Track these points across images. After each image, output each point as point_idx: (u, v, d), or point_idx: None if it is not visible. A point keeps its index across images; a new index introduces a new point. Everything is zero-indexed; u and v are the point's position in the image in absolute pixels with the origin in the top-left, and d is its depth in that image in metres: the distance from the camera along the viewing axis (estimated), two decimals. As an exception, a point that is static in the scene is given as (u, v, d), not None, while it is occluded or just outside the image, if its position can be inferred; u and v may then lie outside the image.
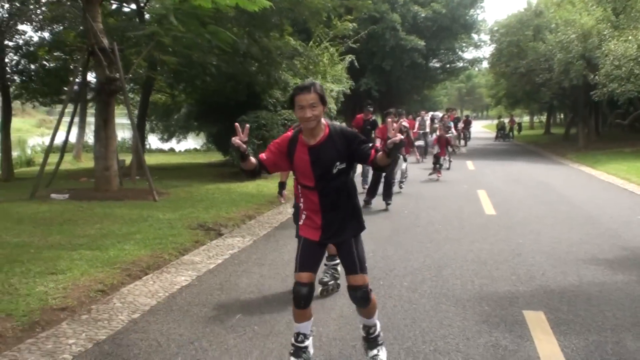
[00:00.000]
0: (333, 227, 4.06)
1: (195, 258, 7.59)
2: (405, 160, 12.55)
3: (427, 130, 25.12)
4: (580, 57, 25.10)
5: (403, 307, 5.59)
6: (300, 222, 4.22)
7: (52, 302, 5.46)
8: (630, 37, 22.22)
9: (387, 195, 11.65)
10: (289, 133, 4.07)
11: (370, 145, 3.89)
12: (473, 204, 12.23)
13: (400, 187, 14.13)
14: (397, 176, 13.34)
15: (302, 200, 4.21)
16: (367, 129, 13.49)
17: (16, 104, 23.77)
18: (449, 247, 8.16)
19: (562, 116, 63.73)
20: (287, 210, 11.40)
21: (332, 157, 3.89)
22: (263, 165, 4.01)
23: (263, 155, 4.03)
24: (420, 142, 23.27)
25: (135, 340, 4.77)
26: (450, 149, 19.61)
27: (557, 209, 11.52)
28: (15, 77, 19.00)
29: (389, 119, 10.45)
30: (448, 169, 19.16)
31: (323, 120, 3.94)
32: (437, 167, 16.86)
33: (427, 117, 26.31)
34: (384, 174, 11.12)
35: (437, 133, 18.62)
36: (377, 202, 11.79)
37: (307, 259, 4.13)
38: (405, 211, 11.26)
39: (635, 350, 4.56)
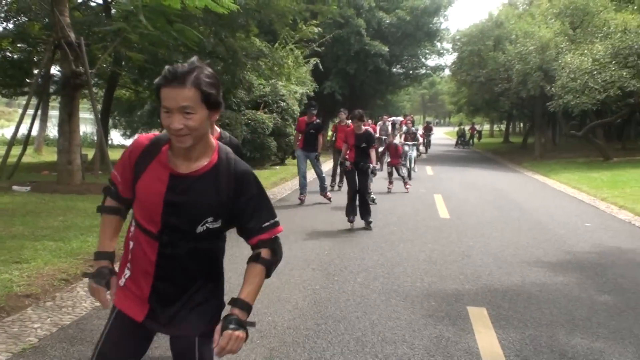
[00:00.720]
0: (169, 308, 2.45)
1: (156, 251, 7.79)
2: (374, 173, 10.28)
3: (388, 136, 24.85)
4: (538, 69, 25.84)
5: (355, 301, 5.90)
6: (120, 282, 2.53)
7: (16, 289, 5.63)
8: (585, 51, 22.99)
9: (365, 212, 10.03)
10: (149, 136, 2.47)
11: (269, 224, 2.48)
12: (429, 208, 12.63)
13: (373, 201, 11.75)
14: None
15: (130, 246, 2.48)
16: (311, 133, 12.78)
17: (-26, 95, 23.62)
18: (402, 247, 8.51)
19: (521, 125, 65.03)
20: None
21: (206, 206, 2.36)
22: (120, 197, 2.56)
23: (118, 178, 2.52)
24: (380, 148, 21.66)
25: (99, 325, 4.97)
26: (404, 158, 17.88)
27: (509, 215, 11.98)
28: (-23, 68, 18.90)
29: (356, 123, 9.96)
30: (410, 178, 17.60)
31: (212, 138, 2.41)
32: (392, 180, 15.61)
33: (389, 122, 25.93)
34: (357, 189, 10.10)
35: (400, 140, 18.57)
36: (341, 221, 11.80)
37: (116, 349, 2.50)
38: (375, 203, 11.57)
39: (566, 344, 4.94)
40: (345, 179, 11.27)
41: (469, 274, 7.11)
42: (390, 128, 23.87)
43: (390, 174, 15.74)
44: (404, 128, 20.74)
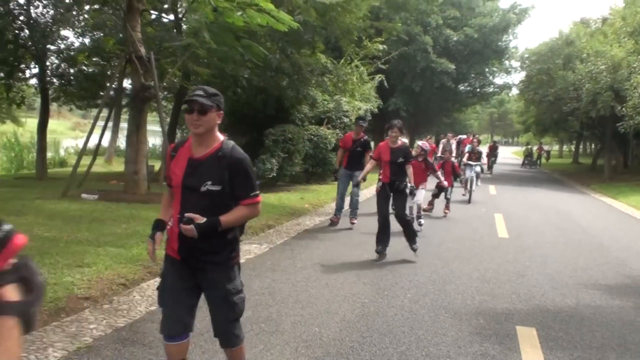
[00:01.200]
0: None
1: (213, 260, 7.99)
2: (413, 194, 9.17)
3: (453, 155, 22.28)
4: (609, 88, 25.22)
5: (403, 316, 5.93)
6: None
7: (77, 291, 5.89)
8: (659, 72, 22.35)
9: (410, 238, 8.95)
10: None
11: None
12: (488, 227, 12.49)
13: (420, 225, 11.51)
14: (413, 211, 11.47)
15: None
16: (357, 151, 11.42)
17: (52, 106, 24.67)
18: (456, 265, 8.47)
19: (592, 146, 63.44)
20: (305, 222, 11.83)
21: None
22: None
23: None
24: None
25: (151, 328, 5.17)
26: (460, 179, 16.57)
27: (570, 236, 11.76)
28: (55, 80, 19.71)
29: (393, 134, 8.82)
30: (469, 202, 16.65)
31: None
32: (433, 202, 13.96)
33: (454, 141, 24.66)
34: (393, 213, 8.91)
35: (463, 160, 17.97)
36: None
37: None
38: (420, 230, 11.53)
39: (615, 367, 4.87)
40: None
41: (521, 294, 7.04)
42: (454, 147, 22.68)
43: (434, 195, 13.83)
44: (468, 147, 19.69)
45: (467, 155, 18.28)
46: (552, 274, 8.19)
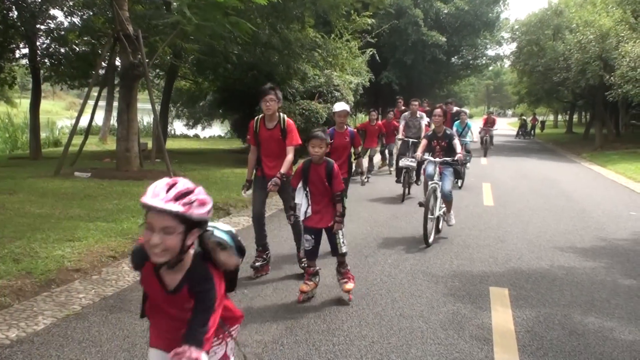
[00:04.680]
0: None
1: (201, 233, 8.22)
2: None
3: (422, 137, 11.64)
4: (597, 58, 25.31)
5: (382, 280, 6.18)
6: None
7: (67, 264, 6.12)
8: (647, 39, 22.42)
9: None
10: None
11: None
12: (475, 196, 12.70)
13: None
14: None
15: None
16: None
17: (47, 87, 24.68)
18: (440, 233, 8.68)
19: (587, 116, 63.54)
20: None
21: None
22: None
23: None
24: (408, 162, 11.62)
25: (138, 296, 5.36)
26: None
27: (554, 203, 11.98)
28: (46, 60, 19.75)
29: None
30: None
31: None
32: None
33: (423, 116, 13.56)
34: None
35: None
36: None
37: None
38: (407, 199, 11.75)
39: (579, 322, 5.12)
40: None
41: (499, 258, 7.29)
42: (425, 123, 13.32)
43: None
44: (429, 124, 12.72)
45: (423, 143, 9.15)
46: (531, 239, 8.45)
